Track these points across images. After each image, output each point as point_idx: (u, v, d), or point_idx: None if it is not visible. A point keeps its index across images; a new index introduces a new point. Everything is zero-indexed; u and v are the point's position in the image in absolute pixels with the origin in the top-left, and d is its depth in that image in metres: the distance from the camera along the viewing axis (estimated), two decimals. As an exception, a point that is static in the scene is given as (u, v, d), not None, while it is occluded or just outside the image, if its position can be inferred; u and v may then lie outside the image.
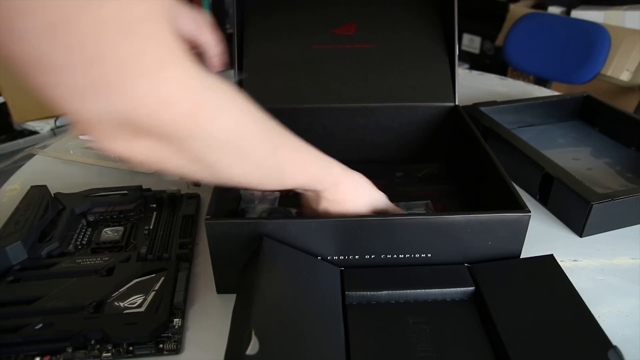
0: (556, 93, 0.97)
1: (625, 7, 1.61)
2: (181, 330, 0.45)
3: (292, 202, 0.63)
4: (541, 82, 1.47)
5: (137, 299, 0.46)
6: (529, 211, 0.47)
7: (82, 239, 0.56)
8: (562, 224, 0.61)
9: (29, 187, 0.63)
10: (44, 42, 0.25)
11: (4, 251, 0.51)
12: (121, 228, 0.57)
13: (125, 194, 0.62)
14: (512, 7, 1.78)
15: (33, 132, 1.97)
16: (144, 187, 0.64)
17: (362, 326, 0.43)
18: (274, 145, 0.40)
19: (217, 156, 0.35)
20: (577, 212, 0.58)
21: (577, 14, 1.65)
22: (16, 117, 1.92)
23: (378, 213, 0.51)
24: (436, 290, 0.46)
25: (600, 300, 0.49)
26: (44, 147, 0.80)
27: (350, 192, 0.48)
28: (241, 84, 0.69)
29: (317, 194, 0.48)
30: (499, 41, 1.72)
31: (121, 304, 0.45)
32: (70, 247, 0.55)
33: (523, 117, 0.82)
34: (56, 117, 1.95)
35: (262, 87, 0.68)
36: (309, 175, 0.44)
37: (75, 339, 0.42)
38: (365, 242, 0.47)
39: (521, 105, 0.81)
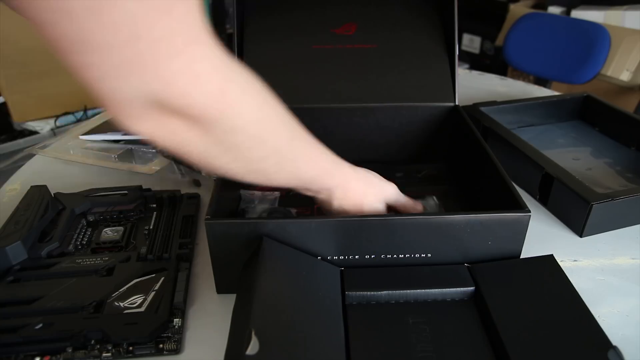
0: (556, 93, 0.97)
1: (625, 7, 1.61)
2: (181, 330, 0.45)
3: (292, 202, 0.63)
4: (541, 82, 1.47)
5: (137, 299, 0.46)
6: (529, 211, 0.47)
7: (82, 239, 0.56)
8: (562, 224, 0.61)
9: (29, 187, 0.63)
10: (89, 21, 0.25)
11: (4, 251, 0.51)
12: (121, 228, 0.57)
13: (125, 194, 0.62)
14: (512, 7, 1.78)
15: (33, 132, 1.97)
16: (144, 187, 0.64)
17: (362, 326, 0.43)
18: (290, 134, 0.40)
19: (240, 138, 0.35)
20: (577, 212, 0.58)
21: (577, 14, 1.65)
22: (16, 117, 1.92)
23: (391, 207, 0.52)
24: (436, 290, 0.46)
25: (600, 300, 0.49)
26: (44, 147, 0.80)
27: (361, 188, 0.49)
28: None
29: (330, 193, 0.48)
30: (499, 41, 1.72)
31: (121, 304, 0.45)
32: (70, 247, 0.55)
33: (523, 117, 0.82)
34: (56, 117, 1.95)
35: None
36: (321, 169, 0.45)
37: (75, 339, 0.42)
38: (365, 242, 0.47)
39: (521, 105, 0.81)
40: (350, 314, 0.44)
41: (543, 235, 0.59)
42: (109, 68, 0.28)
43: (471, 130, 0.62)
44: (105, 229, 0.57)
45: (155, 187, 0.64)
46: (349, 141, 0.71)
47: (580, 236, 0.59)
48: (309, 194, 0.49)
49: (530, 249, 0.50)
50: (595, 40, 1.35)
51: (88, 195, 0.62)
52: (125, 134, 0.79)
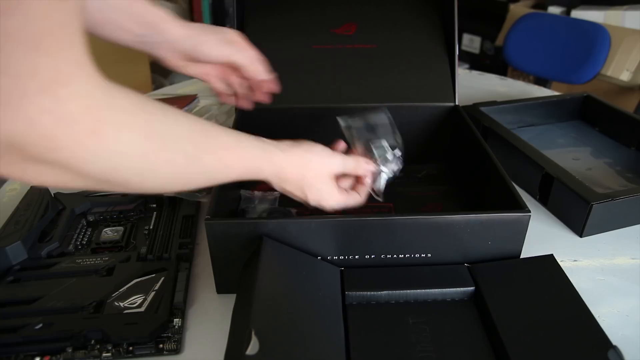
0: (556, 93, 0.97)
1: (625, 7, 1.61)
2: (181, 330, 0.45)
3: (292, 202, 0.63)
4: (541, 82, 1.47)
5: (137, 299, 0.46)
6: (529, 211, 0.47)
7: (82, 239, 0.56)
8: (562, 224, 0.61)
9: (29, 187, 0.63)
10: None
11: (4, 251, 0.51)
12: (121, 228, 0.57)
13: (125, 194, 0.62)
14: (512, 7, 1.78)
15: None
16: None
17: (362, 326, 0.43)
18: (193, 153, 0.37)
19: (124, 176, 0.33)
20: (577, 212, 0.58)
21: (577, 14, 1.65)
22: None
23: (340, 177, 0.50)
24: (436, 290, 0.46)
25: (600, 300, 0.49)
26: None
27: (298, 171, 0.46)
28: None
29: (266, 180, 0.46)
30: (499, 41, 1.72)
31: (121, 304, 0.45)
32: (70, 247, 0.55)
33: (523, 117, 0.82)
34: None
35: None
36: (242, 170, 0.42)
37: (75, 339, 0.42)
38: (365, 242, 0.47)
39: (521, 105, 0.81)
40: (350, 314, 0.44)
41: (543, 235, 0.59)
42: None
43: (471, 130, 0.62)
44: (105, 229, 0.57)
45: (155, 187, 0.64)
46: (349, 141, 0.71)
47: (580, 236, 0.59)
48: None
49: (530, 249, 0.50)
50: (595, 40, 1.35)
51: (88, 195, 0.62)
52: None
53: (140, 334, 0.42)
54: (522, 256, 0.50)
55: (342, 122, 0.55)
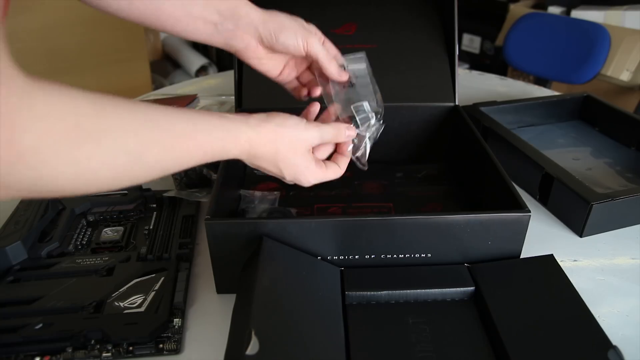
0: (556, 93, 0.97)
1: (625, 7, 1.60)
2: (181, 330, 0.45)
3: (292, 202, 0.64)
4: (541, 82, 1.47)
5: (137, 299, 0.46)
6: (529, 211, 0.47)
7: (82, 239, 0.56)
8: (562, 224, 0.61)
9: (29, 187, 0.62)
10: None
11: (4, 251, 0.51)
12: (121, 228, 0.57)
13: (125, 194, 0.62)
14: (512, 7, 1.78)
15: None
16: (143, 187, 0.64)
17: (362, 326, 0.43)
18: (136, 149, 0.34)
19: (53, 185, 0.30)
20: (577, 212, 0.58)
21: (577, 14, 1.65)
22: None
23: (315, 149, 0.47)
24: (436, 290, 0.46)
25: (600, 300, 0.49)
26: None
27: (271, 149, 0.43)
28: (240, 84, 0.69)
29: (240, 158, 0.43)
30: (499, 41, 1.72)
31: (121, 304, 0.45)
32: (70, 247, 0.55)
33: (523, 117, 0.82)
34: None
35: (262, 87, 0.68)
36: (201, 155, 0.39)
37: (75, 339, 0.42)
38: (365, 242, 0.47)
39: (521, 105, 0.81)
40: (350, 314, 0.44)
41: (543, 235, 0.59)
42: None
43: (471, 130, 0.62)
44: (105, 229, 0.57)
45: (155, 187, 0.64)
46: (349, 141, 0.71)
47: (580, 236, 0.59)
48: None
49: (530, 249, 0.50)
50: (595, 40, 1.35)
51: (88, 195, 0.62)
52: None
53: (140, 334, 0.42)
54: (522, 256, 0.50)
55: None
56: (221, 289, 0.50)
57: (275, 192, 0.64)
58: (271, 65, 0.51)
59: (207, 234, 0.45)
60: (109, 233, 0.56)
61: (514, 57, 1.52)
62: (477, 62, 2.10)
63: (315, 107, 0.50)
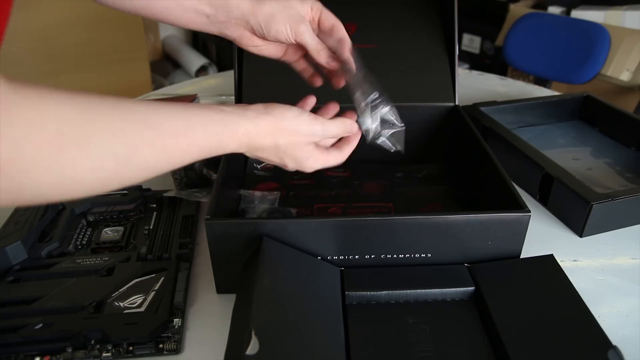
0: (556, 93, 0.97)
1: (625, 7, 1.60)
2: (181, 330, 0.45)
3: (292, 202, 0.64)
4: (541, 82, 1.47)
5: (137, 299, 0.46)
6: (529, 211, 0.47)
7: (82, 239, 0.56)
8: (562, 224, 0.61)
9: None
10: None
11: (4, 251, 0.51)
12: (121, 228, 0.57)
13: (125, 194, 0.62)
14: (512, 7, 1.78)
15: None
16: (143, 187, 0.64)
17: (362, 326, 0.43)
18: (125, 152, 0.33)
19: (39, 192, 0.30)
20: (577, 212, 0.58)
21: (577, 14, 1.65)
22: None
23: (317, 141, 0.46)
24: (436, 290, 0.46)
25: (600, 300, 0.49)
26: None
27: (271, 143, 0.42)
28: (240, 84, 0.69)
29: (240, 152, 0.42)
30: (499, 41, 1.72)
31: (121, 304, 0.45)
32: (70, 247, 0.55)
33: (523, 117, 0.82)
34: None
35: (262, 87, 0.68)
36: (197, 152, 0.38)
37: (75, 339, 0.42)
38: (365, 242, 0.47)
39: (521, 105, 0.81)
40: (350, 314, 0.44)
41: (543, 235, 0.59)
42: None
43: (471, 130, 0.62)
44: (105, 229, 0.57)
45: (155, 187, 0.64)
46: (349, 141, 0.71)
47: (580, 236, 0.59)
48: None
49: (530, 249, 0.50)
50: (595, 40, 1.35)
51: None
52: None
53: (140, 334, 0.42)
54: (522, 256, 0.50)
55: None
56: (221, 289, 0.50)
57: (275, 192, 0.64)
58: (272, 51, 0.51)
59: (207, 234, 0.45)
60: (109, 233, 0.56)
61: (514, 57, 1.52)
62: (477, 62, 2.10)
63: (312, 100, 0.50)
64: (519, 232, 0.48)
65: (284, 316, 0.38)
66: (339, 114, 0.50)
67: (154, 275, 0.49)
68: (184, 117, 0.37)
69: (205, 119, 0.38)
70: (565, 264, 0.54)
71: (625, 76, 1.45)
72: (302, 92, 0.68)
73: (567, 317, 0.42)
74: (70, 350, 0.42)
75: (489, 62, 2.06)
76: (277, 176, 0.68)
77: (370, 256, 0.48)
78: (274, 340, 0.35)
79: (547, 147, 0.74)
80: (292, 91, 0.68)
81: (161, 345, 0.43)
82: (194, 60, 2.03)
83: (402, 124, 0.50)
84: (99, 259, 0.52)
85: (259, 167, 0.70)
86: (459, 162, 0.69)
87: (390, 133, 0.50)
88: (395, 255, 0.48)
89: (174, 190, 0.63)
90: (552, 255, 0.49)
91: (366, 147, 0.72)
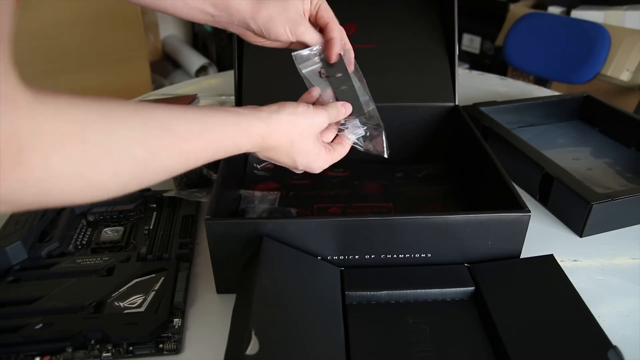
0: (556, 93, 0.97)
1: (625, 7, 1.60)
2: (181, 330, 0.45)
3: (292, 202, 0.63)
4: (541, 82, 1.47)
5: (137, 299, 0.46)
6: (529, 211, 0.47)
7: (82, 239, 0.56)
8: (562, 224, 0.61)
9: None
10: None
11: (4, 251, 0.51)
12: (121, 228, 0.57)
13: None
14: (512, 7, 1.78)
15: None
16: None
17: (362, 326, 0.43)
18: (145, 155, 0.34)
19: (62, 197, 0.30)
20: (577, 212, 0.58)
21: (577, 14, 1.65)
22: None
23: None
24: (436, 290, 0.46)
25: (600, 300, 0.49)
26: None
27: (284, 140, 0.43)
28: (240, 84, 0.69)
29: (252, 152, 0.43)
30: (499, 41, 1.72)
31: (121, 304, 0.45)
32: (70, 247, 0.55)
33: (523, 117, 0.82)
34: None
35: (262, 87, 0.68)
36: (212, 153, 0.39)
37: (75, 339, 0.42)
38: (365, 242, 0.47)
39: (521, 105, 0.81)
40: (350, 314, 0.44)
41: (543, 235, 0.59)
42: None
43: (471, 130, 0.62)
44: (105, 229, 0.57)
45: (155, 187, 0.64)
46: (349, 141, 0.71)
47: (580, 236, 0.59)
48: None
49: (530, 249, 0.50)
50: (595, 40, 1.35)
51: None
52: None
53: (140, 334, 0.42)
54: (522, 256, 0.50)
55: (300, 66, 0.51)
56: (221, 289, 0.50)
57: (275, 192, 0.64)
58: (276, 44, 0.52)
59: (207, 234, 0.45)
60: (109, 233, 0.56)
61: (514, 57, 1.52)
62: (477, 62, 2.10)
63: (316, 92, 0.51)
64: (519, 232, 0.48)
65: (283, 316, 0.38)
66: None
67: (154, 275, 0.49)
68: (201, 120, 0.38)
69: (220, 121, 0.40)
70: (565, 264, 0.54)
71: (625, 76, 1.45)
72: (302, 92, 0.68)
73: (567, 317, 0.42)
74: (70, 350, 0.42)
75: (489, 62, 2.06)
76: (277, 176, 0.68)
77: (370, 256, 0.48)
78: (274, 340, 0.35)
79: (547, 147, 0.74)
80: (292, 91, 0.68)
81: (161, 345, 0.43)
82: (194, 60, 2.03)
83: (382, 127, 0.50)
84: (99, 259, 0.52)
85: (259, 167, 0.70)
86: (459, 162, 0.69)
87: (367, 141, 0.51)
88: (395, 255, 0.48)
89: (174, 190, 0.63)
90: (552, 255, 0.49)
91: (366, 147, 0.72)
